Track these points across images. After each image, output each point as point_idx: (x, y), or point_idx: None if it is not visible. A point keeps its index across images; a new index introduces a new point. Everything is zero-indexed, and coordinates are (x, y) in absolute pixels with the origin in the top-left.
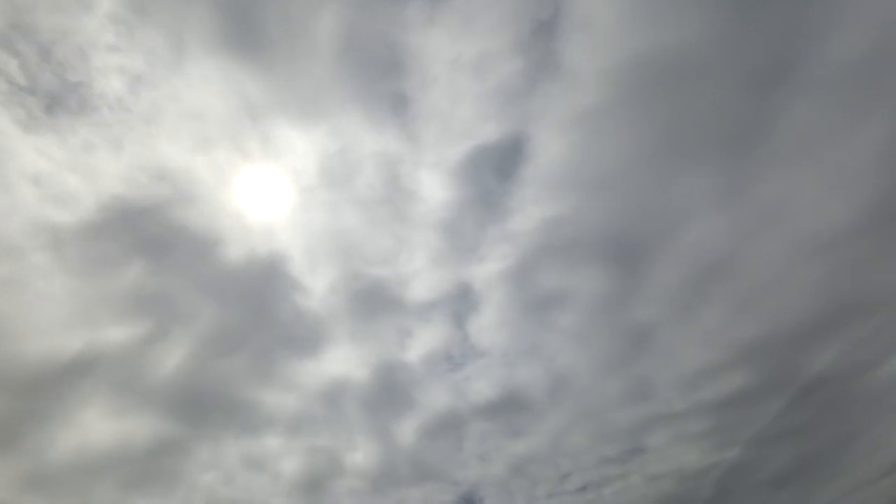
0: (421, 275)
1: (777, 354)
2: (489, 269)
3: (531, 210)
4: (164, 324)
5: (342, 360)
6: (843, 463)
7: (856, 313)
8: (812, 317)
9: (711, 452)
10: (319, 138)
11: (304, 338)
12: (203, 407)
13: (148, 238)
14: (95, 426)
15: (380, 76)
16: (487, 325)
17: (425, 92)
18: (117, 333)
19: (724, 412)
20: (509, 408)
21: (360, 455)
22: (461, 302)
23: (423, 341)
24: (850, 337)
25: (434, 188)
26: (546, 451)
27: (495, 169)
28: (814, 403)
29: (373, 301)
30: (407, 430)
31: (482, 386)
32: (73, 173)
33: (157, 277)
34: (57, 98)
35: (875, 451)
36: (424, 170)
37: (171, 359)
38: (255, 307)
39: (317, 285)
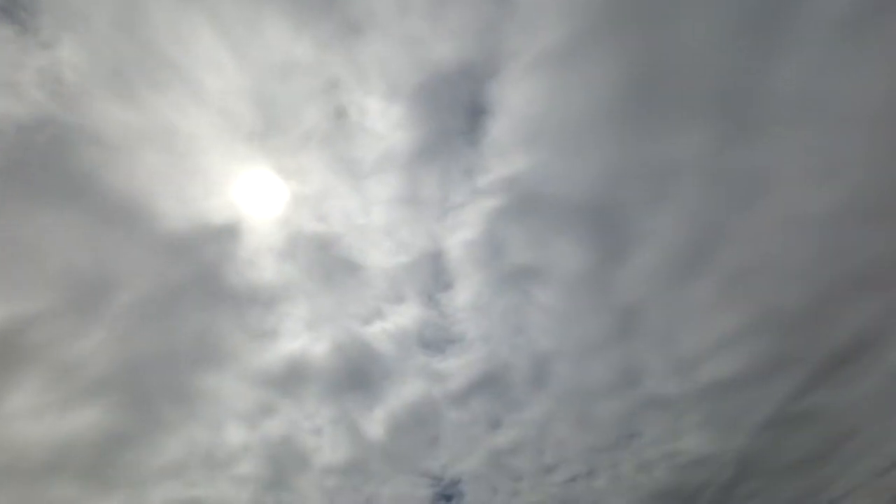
0: (382, 236)
1: (778, 333)
2: (459, 237)
3: (499, 168)
4: (91, 299)
5: (301, 340)
6: (850, 453)
7: (862, 287)
8: (818, 291)
9: (710, 440)
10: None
11: (257, 314)
12: (147, 396)
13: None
14: (25, 419)
15: None
16: (462, 304)
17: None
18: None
19: (722, 397)
20: (488, 395)
21: (328, 448)
22: (430, 273)
23: (392, 321)
24: (859, 313)
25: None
26: (530, 441)
27: (456, 114)
28: (823, 387)
29: (331, 267)
30: (377, 420)
31: (458, 371)
32: None
33: (79, 244)
34: None
35: (884, 440)
36: (373, 101)
37: (101, 341)
38: (199, 279)
39: (266, 250)
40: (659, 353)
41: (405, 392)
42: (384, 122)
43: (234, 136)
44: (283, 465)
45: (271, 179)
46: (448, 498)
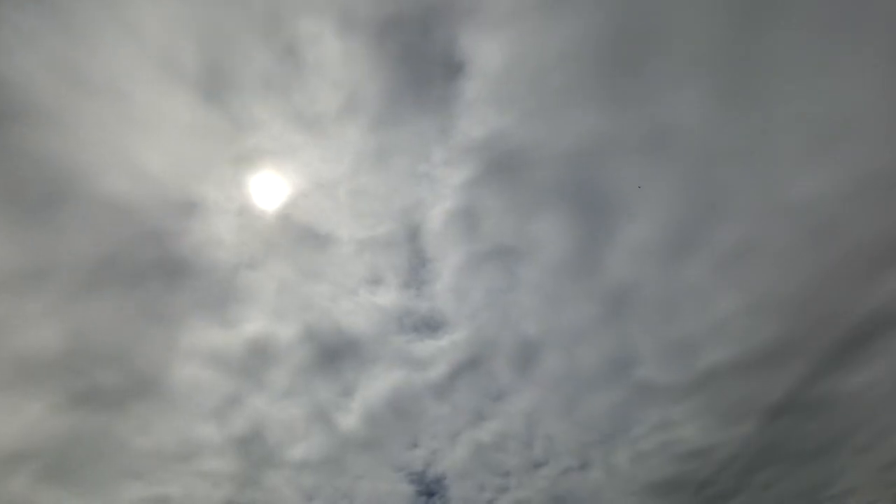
0: (352, 203)
1: (781, 316)
2: (438, 209)
3: (476, 129)
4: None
5: (266, 322)
6: (858, 444)
7: (873, 265)
8: (824, 270)
9: (708, 431)
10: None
11: (218, 298)
12: (100, 386)
13: None
14: None
15: None
16: (441, 284)
17: None
18: None
19: (721, 385)
20: (472, 384)
21: (301, 441)
22: (406, 248)
23: (366, 299)
24: (869, 293)
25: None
26: (518, 434)
27: (424, 65)
28: (829, 374)
29: (296, 238)
30: (352, 411)
31: (439, 358)
32: None
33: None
34: None
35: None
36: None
37: (46, 327)
38: (149, 255)
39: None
40: (652, 337)
41: (382, 380)
42: (344, 65)
43: (178, 84)
44: (253, 461)
45: (225, 136)
46: (430, 494)
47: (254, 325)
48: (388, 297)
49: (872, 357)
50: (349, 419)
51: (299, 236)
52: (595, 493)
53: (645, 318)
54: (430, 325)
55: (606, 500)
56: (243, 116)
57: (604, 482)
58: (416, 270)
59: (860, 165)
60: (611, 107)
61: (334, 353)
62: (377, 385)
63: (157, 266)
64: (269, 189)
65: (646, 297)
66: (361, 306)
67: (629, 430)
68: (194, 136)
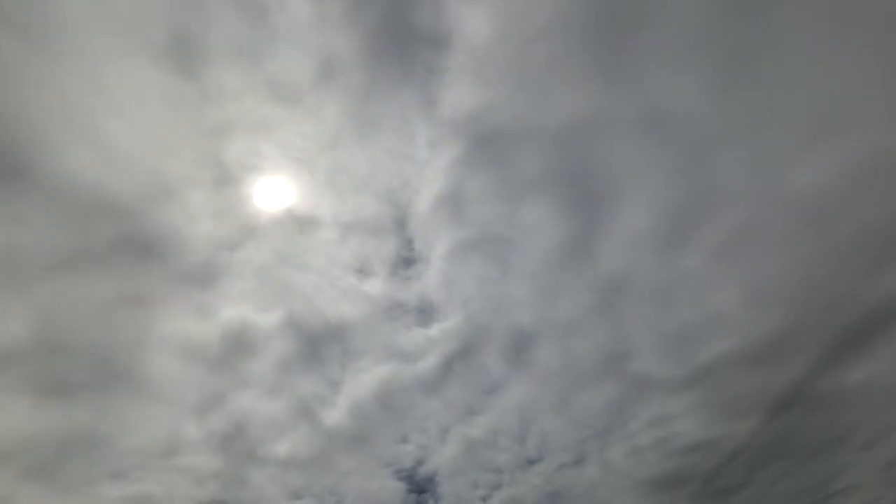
0: (333, 182)
1: (783, 307)
2: (427, 192)
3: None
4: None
5: (245, 310)
6: (861, 440)
7: (879, 255)
8: (827, 260)
9: (706, 426)
10: None
11: (195, 282)
12: (79, 383)
13: None
14: None
15: None
16: (432, 274)
17: None
18: None
19: (720, 378)
20: (463, 378)
21: (287, 437)
22: (394, 233)
23: (353, 287)
24: (875, 284)
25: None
26: (511, 429)
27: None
28: (832, 368)
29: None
30: (338, 406)
31: (429, 351)
32: None
33: None
34: None
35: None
36: None
37: (22, 321)
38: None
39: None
40: (649, 328)
41: (370, 373)
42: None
43: (145, 53)
44: (236, 458)
45: (195, 107)
46: (421, 491)
47: (233, 311)
48: (375, 285)
49: (878, 349)
50: (336, 414)
51: (278, 217)
52: (591, 489)
53: (641, 309)
54: (419, 315)
55: (603, 496)
56: (214, 87)
57: (600, 478)
58: (404, 257)
59: (863, 150)
60: (603, 85)
61: (319, 343)
62: (365, 378)
63: (128, 248)
64: (245, 165)
65: (641, 287)
66: (347, 294)
67: (626, 424)
68: (163, 108)
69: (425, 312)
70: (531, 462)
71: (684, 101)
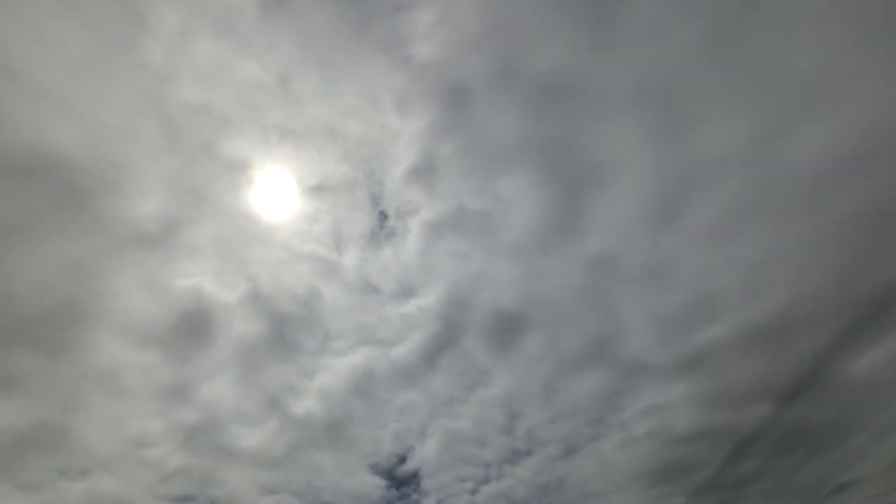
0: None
1: (781, 290)
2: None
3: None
4: None
5: (208, 288)
6: (866, 433)
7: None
8: (832, 237)
9: (701, 416)
10: None
11: (144, 253)
12: (30, 371)
13: None
14: None
15: None
16: (409, 249)
17: None
18: None
19: (718, 365)
20: (446, 366)
21: (255, 431)
22: (368, 202)
23: (320, 260)
24: (884, 267)
25: None
26: (497, 420)
27: None
28: (837, 355)
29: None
30: (312, 397)
31: (407, 337)
32: None
33: None
34: None
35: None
36: None
37: None
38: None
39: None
40: (640, 312)
41: (344, 360)
42: None
43: None
44: (203, 452)
45: (146, 55)
46: (403, 483)
47: (193, 286)
48: (349, 259)
49: (890, 335)
50: (308, 403)
51: (235, 179)
52: (582, 481)
53: (631, 289)
54: (399, 293)
55: (596, 488)
56: (164, 35)
57: (592, 470)
58: (379, 230)
59: (864, 123)
60: (587, 48)
61: (285, 327)
62: (338, 366)
63: (67, 209)
64: (195, 119)
65: (631, 266)
66: (316, 269)
67: (618, 413)
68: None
69: (405, 290)
70: (519, 454)
71: (674, 70)
